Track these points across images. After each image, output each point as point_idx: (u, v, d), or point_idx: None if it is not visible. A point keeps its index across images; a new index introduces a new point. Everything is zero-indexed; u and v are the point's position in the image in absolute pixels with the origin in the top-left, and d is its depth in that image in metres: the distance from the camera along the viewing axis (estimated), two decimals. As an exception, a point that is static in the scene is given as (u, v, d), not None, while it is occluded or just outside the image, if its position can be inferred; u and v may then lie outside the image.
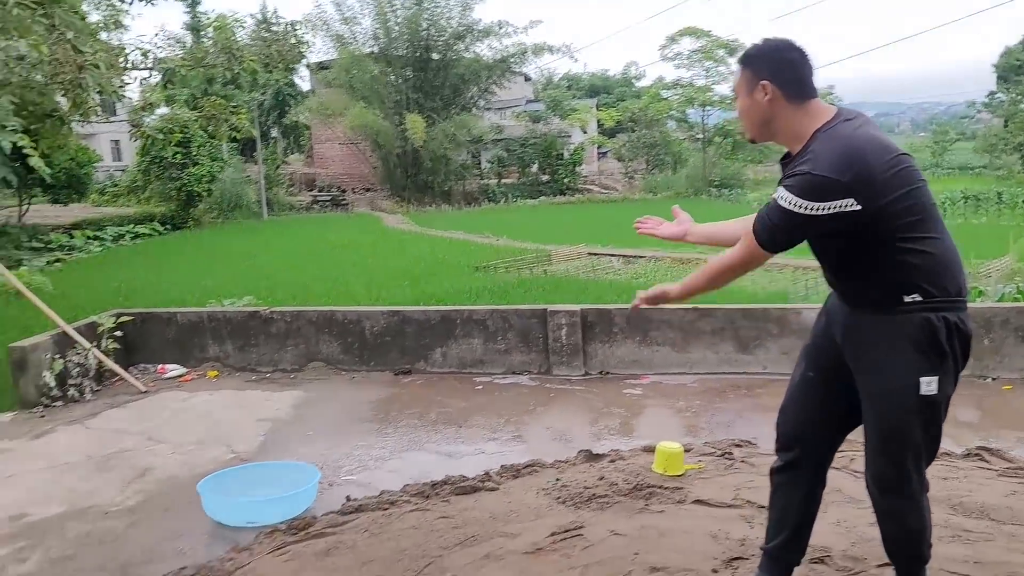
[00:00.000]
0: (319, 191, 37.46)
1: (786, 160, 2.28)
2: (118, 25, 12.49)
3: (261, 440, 5.23)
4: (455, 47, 34.97)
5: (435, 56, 34.63)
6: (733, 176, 35.46)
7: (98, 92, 9.54)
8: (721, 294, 10.79)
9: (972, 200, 25.76)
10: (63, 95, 9.42)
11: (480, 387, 6.35)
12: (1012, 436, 4.58)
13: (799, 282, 12.73)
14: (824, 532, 3.13)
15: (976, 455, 3.94)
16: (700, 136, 38.41)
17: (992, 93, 47.46)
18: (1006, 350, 5.77)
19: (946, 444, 4.46)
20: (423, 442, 5.13)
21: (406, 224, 26.80)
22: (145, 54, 11.60)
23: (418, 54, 34.34)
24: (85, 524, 4.02)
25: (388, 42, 34.43)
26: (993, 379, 5.72)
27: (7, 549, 3.78)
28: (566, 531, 3.15)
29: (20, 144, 6.95)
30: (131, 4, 11.89)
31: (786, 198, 2.09)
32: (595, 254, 17.69)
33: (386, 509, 3.63)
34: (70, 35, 7.78)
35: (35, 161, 7.90)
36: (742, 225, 2.52)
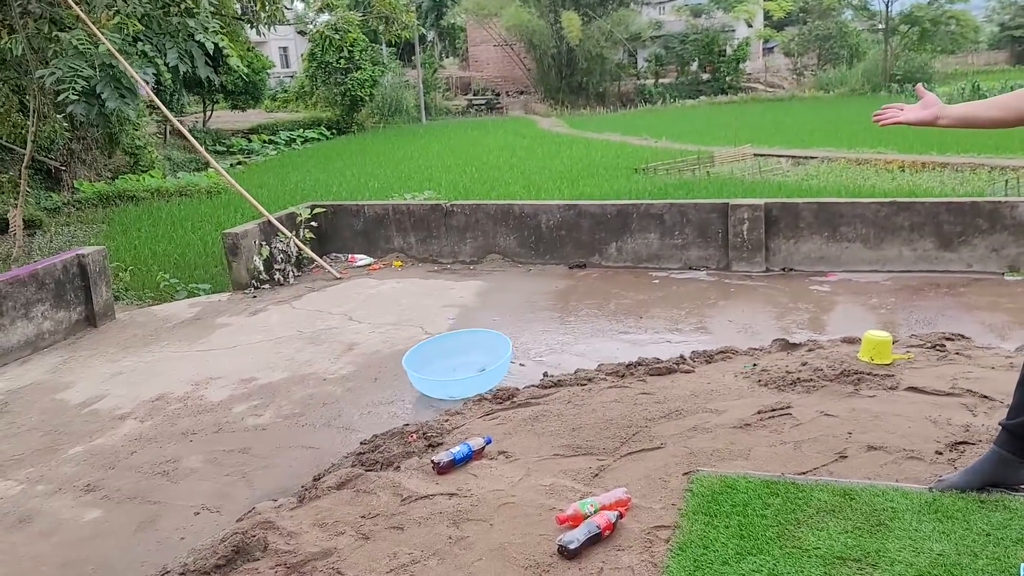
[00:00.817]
0: (474, 95, 37.66)
1: None
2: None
3: (450, 323, 5.50)
4: (613, -62, 33.55)
5: (592, -50, 33.38)
6: (919, 69, 32.28)
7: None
8: (920, 190, 10.06)
9: None
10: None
11: (657, 281, 6.34)
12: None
13: (997, 182, 11.70)
14: None
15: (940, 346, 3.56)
16: (882, 26, 35.16)
17: None
18: None
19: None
20: (606, 330, 5.22)
21: (561, 127, 26.58)
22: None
23: (575, -54, 33.22)
24: (307, 388, 4.42)
25: (544, -65, 33.46)
26: None
27: (245, 406, 4.23)
28: (773, 410, 3.14)
29: (222, 45, 7.37)
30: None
31: None
32: (761, 155, 16.93)
33: (584, 384, 3.75)
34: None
35: (234, 61, 8.39)
36: (1005, 102, 2.31)
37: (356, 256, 7.42)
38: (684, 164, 16.02)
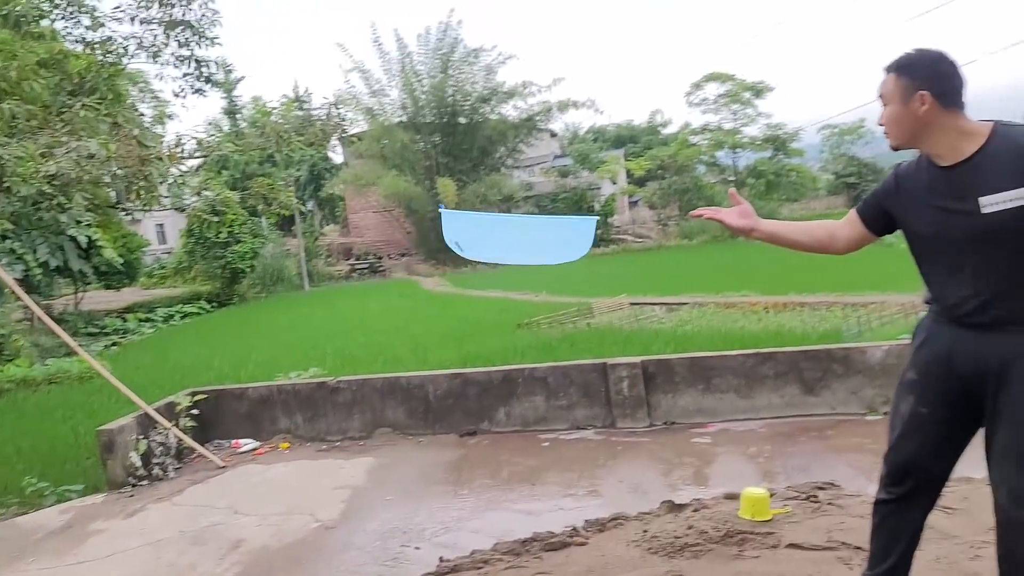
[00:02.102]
0: (356, 259, 38.14)
1: (949, 168, 2.38)
2: (165, 118, 13.11)
3: (343, 507, 5.37)
4: (481, 110, 35.84)
5: (462, 120, 35.51)
6: (768, 216, 34.94)
7: (160, 182, 10.01)
8: (776, 338, 10.78)
9: None
10: (126, 187, 9.91)
11: (547, 443, 6.45)
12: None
13: (849, 318, 12.68)
14: (924, 570, 3.17)
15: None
16: (732, 179, 38.58)
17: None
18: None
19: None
20: (500, 501, 5.22)
21: (444, 286, 27.10)
22: (200, 143, 12.23)
23: (445, 119, 35.25)
24: (190, 598, 4.16)
25: (416, 110, 35.42)
26: None
27: (121, 626, 3.93)
28: (664, 581, 3.22)
29: (94, 237, 7.31)
30: (185, 96, 12.55)
31: None
32: (637, 303, 17.73)
33: (480, 568, 3.72)
34: (136, 131, 8.23)
35: (108, 253, 8.32)
36: (809, 227, 2.67)
37: (240, 441, 7.19)
38: (565, 316, 16.53)
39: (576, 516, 4.50)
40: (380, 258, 37.63)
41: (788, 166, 37.85)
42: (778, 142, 38.25)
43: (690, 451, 5.81)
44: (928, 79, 2.33)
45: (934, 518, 3.70)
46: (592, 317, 16.72)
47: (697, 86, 39.15)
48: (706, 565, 3.32)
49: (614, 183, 41.10)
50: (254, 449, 7.06)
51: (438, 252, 34.78)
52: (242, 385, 7.76)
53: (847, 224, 2.62)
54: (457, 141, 35.52)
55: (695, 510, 4.15)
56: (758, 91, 37.89)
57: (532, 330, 15.12)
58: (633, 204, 45.54)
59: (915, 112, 2.33)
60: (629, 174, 42.99)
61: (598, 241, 36.13)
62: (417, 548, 4.47)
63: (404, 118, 35.83)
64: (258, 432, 7.30)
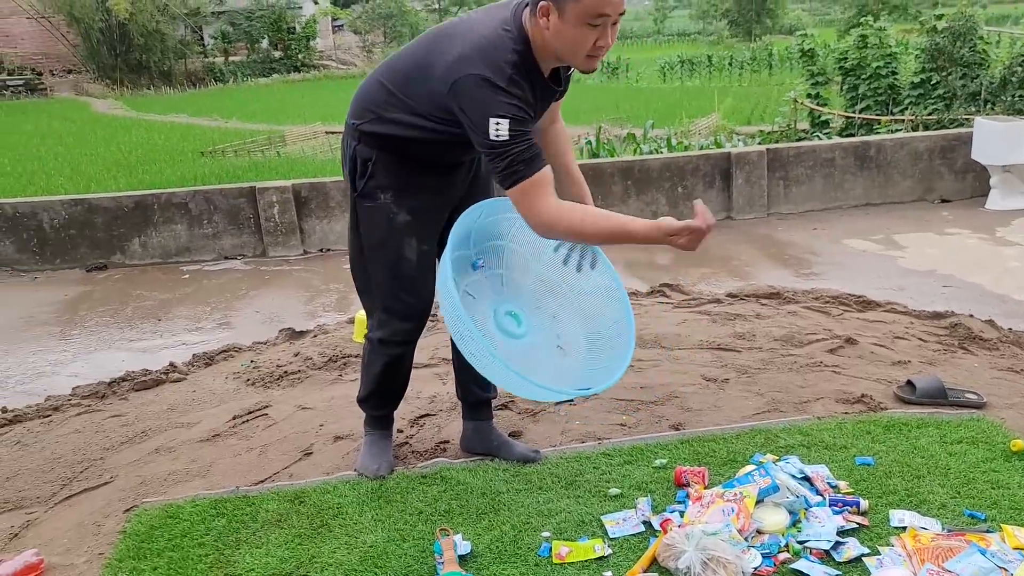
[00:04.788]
0: (8, 74, 32.28)
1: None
2: None
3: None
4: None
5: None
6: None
7: None
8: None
9: (687, 64, 27.50)
10: None
11: (187, 276, 5.84)
12: (696, 273, 4.97)
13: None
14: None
15: (659, 291, 4.20)
16: (436, 5, 37.56)
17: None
18: (696, 194, 6.23)
19: (635, 284, 4.77)
20: (115, 340, 4.61)
21: (120, 109, 23.98)
22: None
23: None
24: None
25: None
26: (687, 224, 6.17)
27: None
28: (249, 412, 2.93)
29: None
30: None
31: None
32: (332, 132, 16.93)
33: (47, 416, 3.18)
34: None
35: None
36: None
37: None
38: (255, 145, 15.34)
39: (200, 350, 4.06)
40: (40, 74, 32.18)
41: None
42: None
43: (340, 277, 5.53)
44: None
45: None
46: (284, 145, 15.71)
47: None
48: (299, 393, 3.08)
49: (316, 3, 38.17)
50: None
51: (113, 71, 30.47)
52: None
53: None
54: (130, -64, 30.44)
55: (314, 336, 3.90)
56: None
57: (216, 158, 13.83)
58: (338, 28, 42.91)
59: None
60: (333, -7, 40.15)
61: (298, 66, 33.93)
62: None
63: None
64: None
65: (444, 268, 2.02)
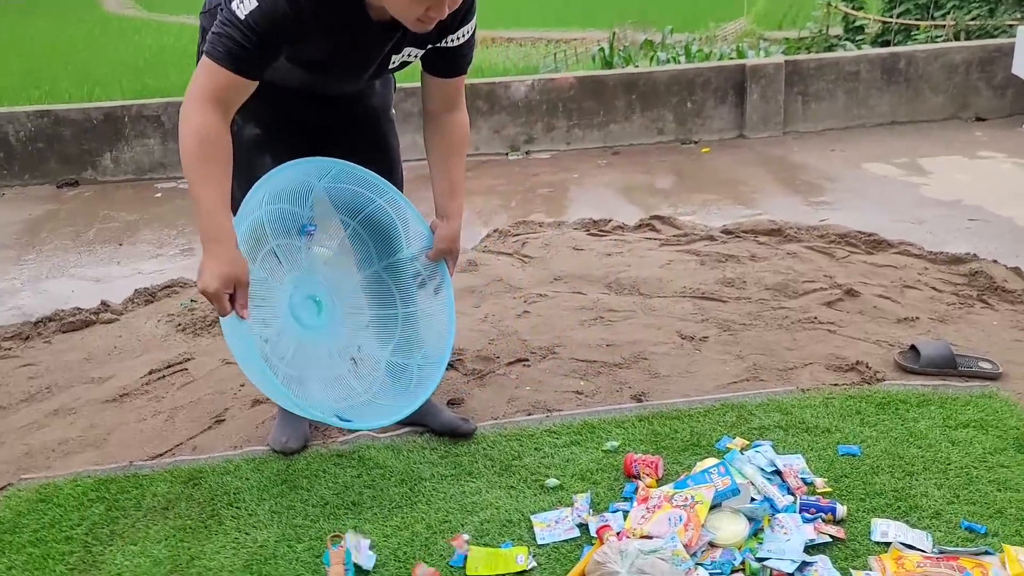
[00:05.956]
0: (18, -30, 31.40)
1: None
2: None
3: None
4: None
5: None
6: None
7: None
8: (475, 73, 10.22)
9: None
10: None
11: (159, 195, 5.51)
12: (698, 199, 4.54)
13: (548, 56, 12.31)
14: (474, 324, 2.86)
15: (648, 225, 3.79)
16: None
17: None
18: (707, 112, 5.71)
19: (629, 213, 4.35)
20: (69, 267, 4.32)
21: (132, 9, 23.38)
22: None
23: None
24: None
25: None
26: (695, 142, 5.68)
27: None
28: (168, 366, 2.64)
29: None
30: None
31: None
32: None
33: (-38, 362, 2.91)
34: None
35: None
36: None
37: None
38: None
39: (154, 281, 3.76)
40: (50, -30, 31.26)
41: None
42: None
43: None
44: None
45: (506, 268, 3.44)
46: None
47: None
48: (222, 343, 2.78)
49: None
50: None
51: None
52: None
53: None
54: None
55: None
56: None
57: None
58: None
59: None
60: None
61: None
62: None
63: None
64: None
65: (247, 209, 1.72)
